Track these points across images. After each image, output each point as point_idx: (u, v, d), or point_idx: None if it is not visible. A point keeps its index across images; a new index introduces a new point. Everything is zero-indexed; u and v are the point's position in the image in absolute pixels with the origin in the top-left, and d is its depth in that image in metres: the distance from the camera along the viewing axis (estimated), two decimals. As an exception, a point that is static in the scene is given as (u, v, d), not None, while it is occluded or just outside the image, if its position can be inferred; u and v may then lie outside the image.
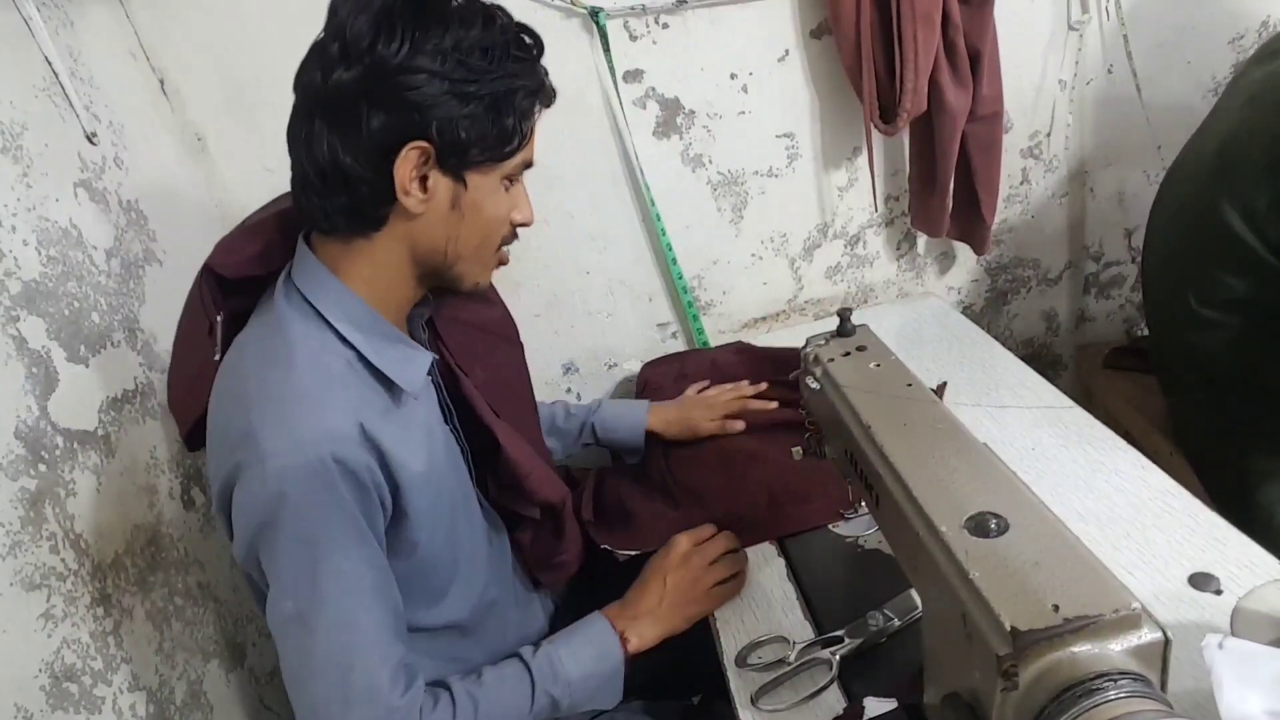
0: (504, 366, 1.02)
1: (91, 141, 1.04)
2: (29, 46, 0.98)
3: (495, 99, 0.76)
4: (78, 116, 1.03)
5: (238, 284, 0.84)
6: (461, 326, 0.97)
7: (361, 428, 0.76)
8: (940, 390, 1.20)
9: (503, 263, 0.88)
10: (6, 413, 0.80)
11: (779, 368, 1.35)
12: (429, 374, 0.88)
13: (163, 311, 1.11)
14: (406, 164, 0.75)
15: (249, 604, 1.18)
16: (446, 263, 0.83)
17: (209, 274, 0.84)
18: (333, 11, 0.74)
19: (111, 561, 0.91)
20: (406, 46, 0.72)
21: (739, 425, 1.21)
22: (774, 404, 1.25)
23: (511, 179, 0.83)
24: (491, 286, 1.04)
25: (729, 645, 0.92)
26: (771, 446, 1.18)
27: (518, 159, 0.81)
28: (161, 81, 1.24)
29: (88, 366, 0.94)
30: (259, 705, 1.15)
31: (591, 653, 0.89)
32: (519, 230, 0.87)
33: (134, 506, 0.97)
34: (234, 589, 1.15)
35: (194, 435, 0.86)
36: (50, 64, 1.00)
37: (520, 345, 1.08)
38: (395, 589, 0.80)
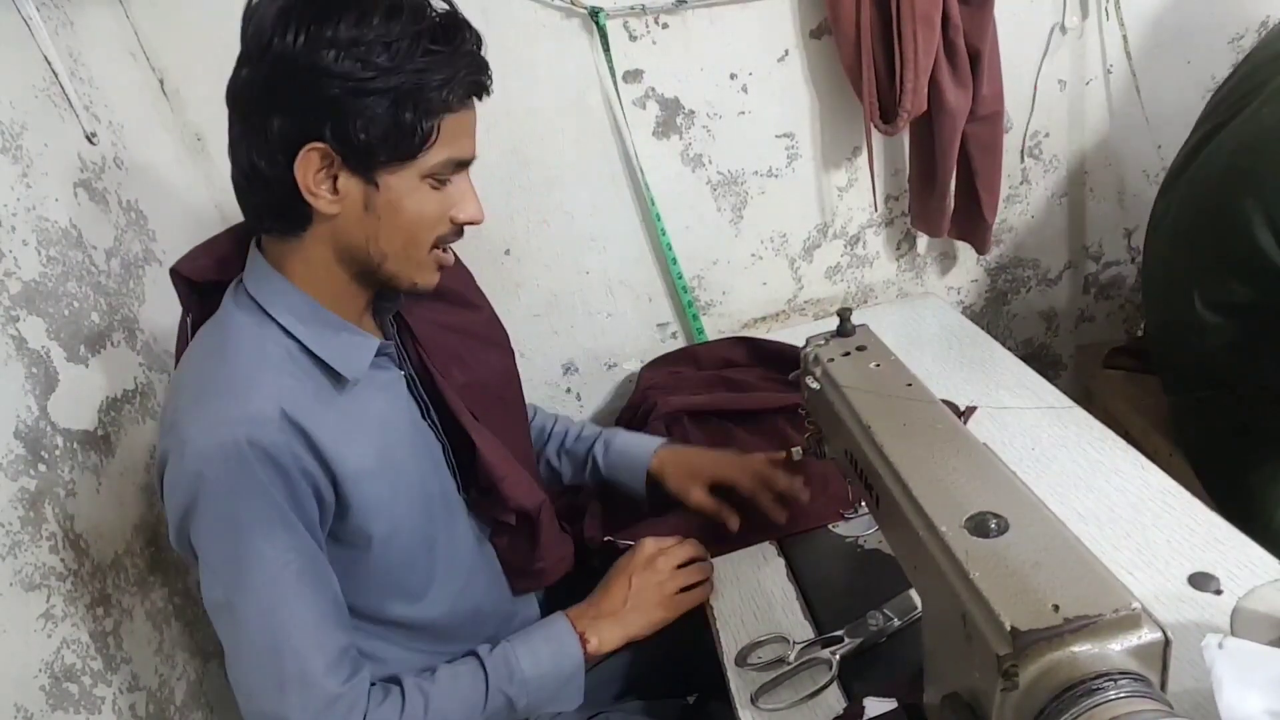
0: (486, 370, 1.00)
1: (91, 141, 1.04)
2: (29, 46, 0.98)
3: (396, 96, 0.72)
4: (78, 116, 1.03)
5: (207, 288, 0.85)
6: (439, 329, 0.96)
7: (284, 412, 0.75)
8: (967, 414, 1.20)
9: (443, 264, 0.85)
10: (6, 413, 0.80)
11: (780, 362, 1.34)
12: (400, 369, 0.89)
13: (163, 311, 1.11)
14: (307, 166, 0.74)
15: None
16: (373, 261, 0.80)
17: (176, 277, 0.86)
18: (247, 6, 0.74)
19: (111, 562, 0.91)
20: (302, 40, 0.70)
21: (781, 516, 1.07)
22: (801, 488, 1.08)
23: (437, 177, 0.78)
24: (476, 290, 1.05)
25: (729, 644, 0.92)
26: (771, 445, 1.18)
27: (436, 158, 0.77)
28: (161, 81, 1.24)
29: (88, 366, 0.94)
30: (259, 705, 1.14)
31: (549, 651, 0.89)
32: (467, 227, 0.84)
33: (134, 506, 0.97)
34: (234, 589, 1.15)
35: None
36: (50, 64, 1.00)
37: (508, 349, 1.06)
38: (330, 577, 0.79)
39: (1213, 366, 1.20)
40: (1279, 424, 1.17)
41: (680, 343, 1.62)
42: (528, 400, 1.11)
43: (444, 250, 0.84)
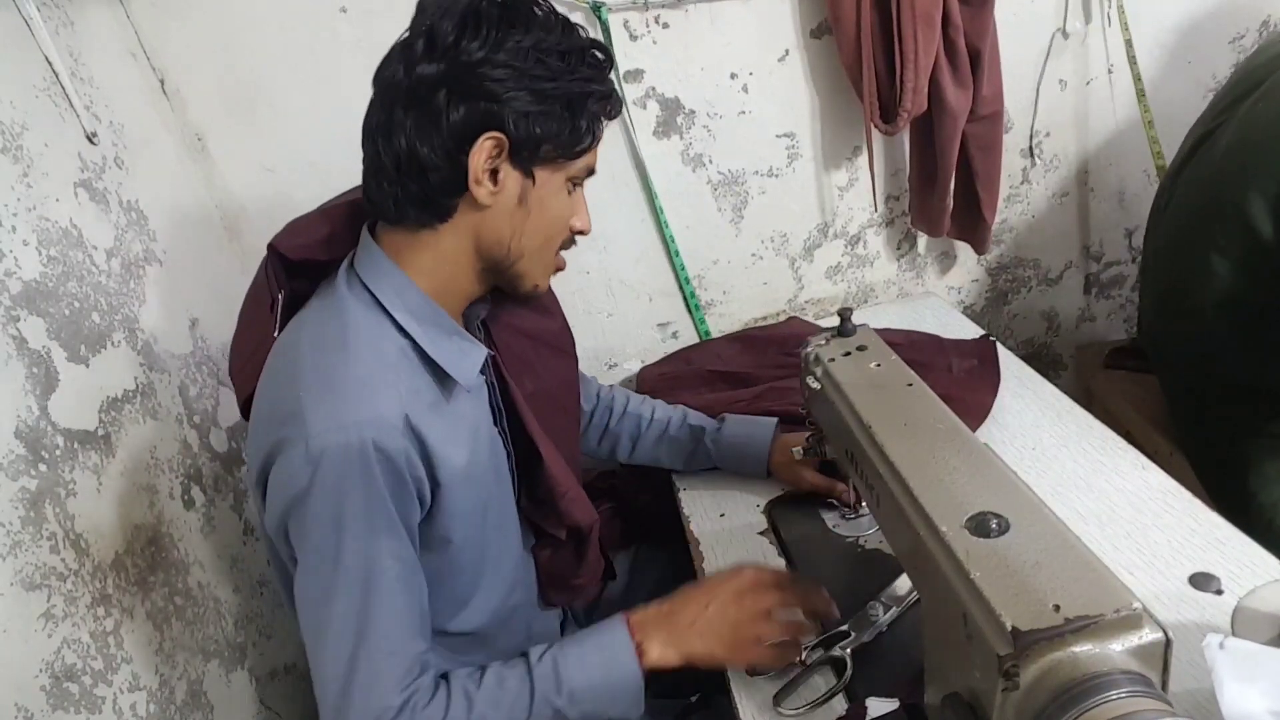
0: (553, 379, 1.02)
1: (91, 141, 1.04)
2: (29, 46, 0.98)
3: (570, 99, 0.78)
4: (78, 116, 1.03)
5: (300, 267, 0.86)
6: (516, 334, 0.98)
7: (407, 418, 0.77)
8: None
9: (559, 268, 0.90)
10: (6, 413, 0.80)
11: (780, 348, 1.34)
12: (482, 373, 0.88)
13: (163, 311, 1.11)
14: (481, 154, 0.77)
15: (249, 604, 1.18)
16: (509, 258, 0.84)
17: (273, 254, 0.86)
18: (420, 11, 0.78)
19: (112, 561, 0.91)
20: (493, 41, 0.75)
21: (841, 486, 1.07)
22: None
23: (575, 182, 0.85)
24: (553, 297, 1.06)
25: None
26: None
27: (583, 161, 0.83)
28: (161, 81, 1.24)
29: (88, 366, 0.94)
30: (259, 705, 1.14)
31: (600, 660, 0.82)
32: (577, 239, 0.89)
33: (134, 506, 0.97)
34: (234, 589, 1.15)
35: (248, 405, 0.86)
36: (50, 64, 1.00)
37: (574, 358, 1.09)
38: (423, 585, 0.81)
39: (1212, 364, 1.20)
40: (1278, 424, 1.17)
41: (681, 342, 1.62)
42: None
43: (561, 256, 0.89)
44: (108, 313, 1.00)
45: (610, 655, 0.82)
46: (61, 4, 1.07)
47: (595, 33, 1.33)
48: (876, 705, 0.78)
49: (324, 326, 0.81)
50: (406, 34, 0.78)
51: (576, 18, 1.31)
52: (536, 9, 0.78)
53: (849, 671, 0.83)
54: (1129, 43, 1.48)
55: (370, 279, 0.82)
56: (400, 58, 0.77)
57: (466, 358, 0.84)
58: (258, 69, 1.25)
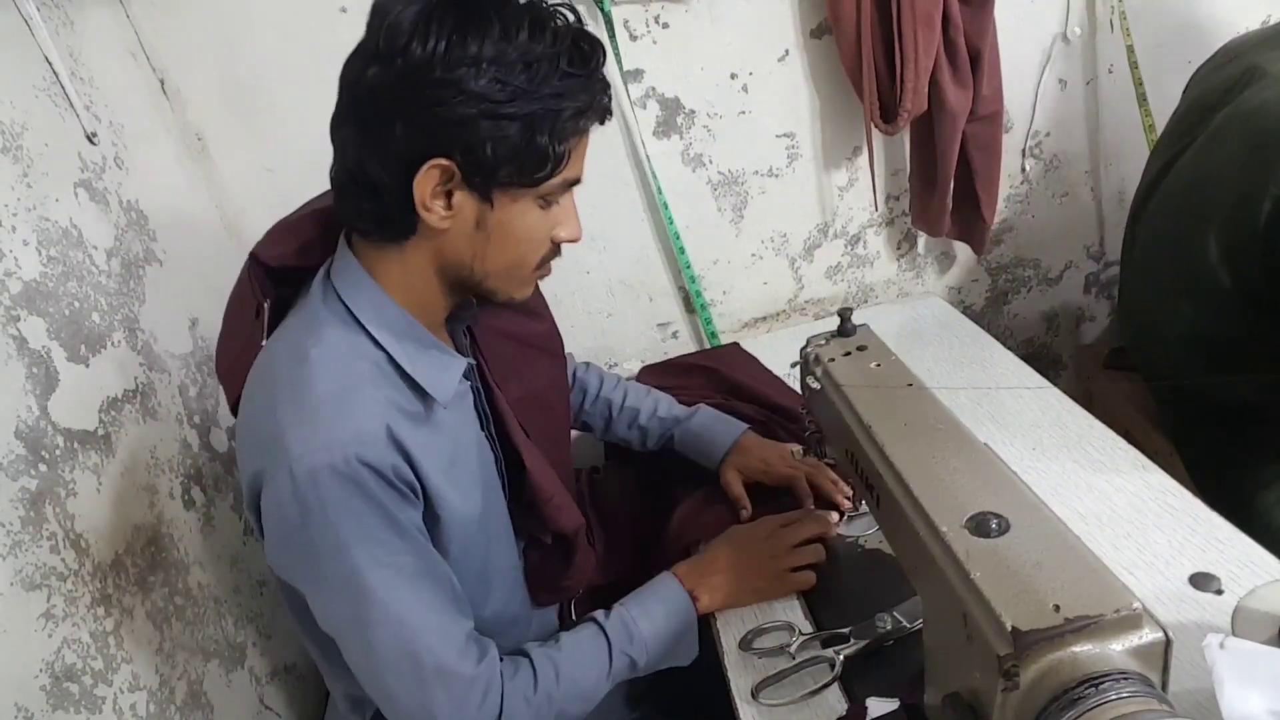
0: (541, 382, 1.01)
1: (91, 141, 1.04)
2: (29, 46, 0.98)
3: (531, 120, 0.70)
4: (78, 116, 1.03)
5: (282, 272, 0.85)
6: (502, 338, 0.96)
7: (389, 430, 0.75)
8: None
9: (542, 277, 0.86)
10: (7, 413, 0.80)
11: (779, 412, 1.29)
12: (467, 379, 0.87)
13: (163, 311, 1.11)
14: (427, 181, 0.72)
15: (249, 604, 1.18)
16: (475, 277, 0.80)
17: (254, 261, 0.84)
18: (374, 10, 0.71)
19: (112, 561, 0.91)
20: (442, 50, 0.67)
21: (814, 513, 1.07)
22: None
23: (549, 198, 0.77)
24: (541, 299, 1.04)
25: (729, 644, 0.92)
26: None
27: (555, 180, 0.75)
28: (161, 81, 1.24)
29: (88, 366, 0.94)
30: (259, 705, 1.14)
31: (664, 610, 0.90)
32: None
33: (134, 506, 0.97)
34: (234, 589, 1.15)
35: (237, 405, 0.86)
36: (50, 64, 1.00)
37: (562, 359, 1.07)
38: (443, 567, 0.81)
39: (1193, 388, 1.20)
40: (1271, 429, 1.17)
41: (681, 342, 1.63)
42: None
43: (544, 268, 0.84)
44: (108, 313, 1.00)
45: (671, 606, 0.91)
46: (61, 4, 1.07)
47: (597, 26, 1.33)
48: (876, 705, 0.78)
49: (298, 344, 0.78)
50: (366, 31, 0.72)
51: (579, 10, 1.32)
52: (501, 11, 0.69)
53: (836, 672, 0.83)
54: (1130, 48, 1.48)
55: (345, 293, 0.79)
56: (358, 57, 0.72)
57: (445, 371, 0.82)
58: (258, 69, 1.25)
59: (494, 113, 0.69)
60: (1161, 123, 1.53)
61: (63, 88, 1.01)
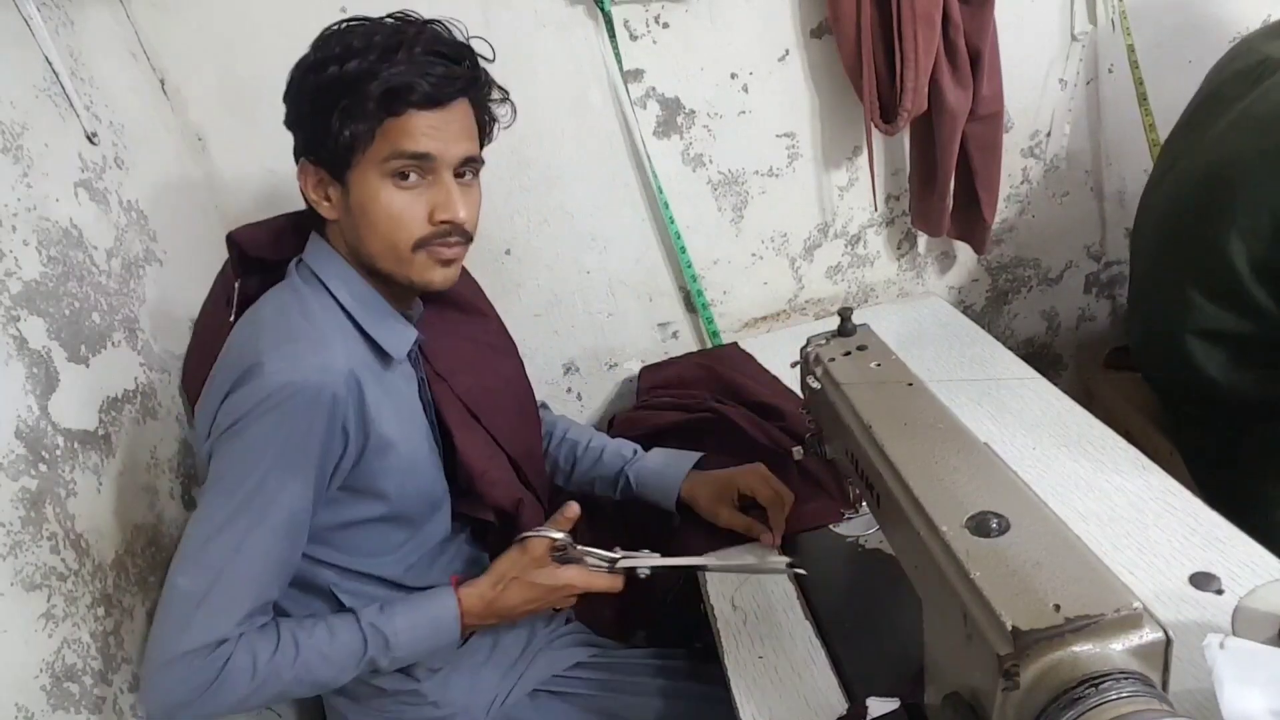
0: (496, 377, 1.06)
1: (92, 141, 1.04)
2: (29, 46, 0.98)
3: (341, 105, 0.82)
4: (78, 116, 1.03)
5: (254, 264, 0.95)
6: (455, 339, 1.04)
7: (352, 372, 0.84)
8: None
9: (444, 260, 0.89)
10: (6, 413, 0.80)
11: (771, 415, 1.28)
12: (411, 358, 0.96)
13: (163, 311, 1.11)
14: (305, 180, 0.88)
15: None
16: (371, 261, 0.89)
17: (231, 242, 0.95)
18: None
19: (112, 561, 0.91)
20: (301, 65, 0.85)
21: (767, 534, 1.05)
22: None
23: (399, 171, 0.84)
24: (484, 300, 1.11)
25: (729, 644, 0.92)
26: (770, 446, 1.18)
27: (382, 149, 0.83)
28: (161, 81, 1.24)
29: (88, 366, 0.94)
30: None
31: (428, 634, 0.90)
32: (449, 223, 0.88)
33: (134, 506, 0.97)
34: (234, 589, 1.15)
35: None
36: (50, 64, 1.00)
37: (517, 357, 1.13)
38: (303, 540, 0.85)
39: (1201, 385, 1.20)
40: (1272, 430, 1.16)
41: (681, 342, 1.63)
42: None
43: (436, 249, 0.88)
44: (108, 313, 1.00)
45: (438, 629, 0.91)
46: (61, 4, 1.07)
47: (598, 25, 1.33)
48: (876, 705, 0.78)
49: (281, 302, 0.89)
50: None
51: (577, 12, 1.32)
52: (354, 24, 0.84)
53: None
54: (1130, 48, 1.48)
55: (316, 265, 0.91)
56: None
57: (400, 336, 0.93)
58: (258, 69, 1.25)
59: (316, 105, 0.83)
60: (1162, 122, 1.53)
61: (63, 88, 1.01)
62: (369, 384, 0.87)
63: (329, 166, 0.86)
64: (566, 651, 1.07)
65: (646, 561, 0.94)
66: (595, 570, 0.94)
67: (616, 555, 0.95)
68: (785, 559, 1.01)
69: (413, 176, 0.85)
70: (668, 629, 1.15)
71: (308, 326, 0.85)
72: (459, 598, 0.91)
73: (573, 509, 0.95)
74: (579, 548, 0.94)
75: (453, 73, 0.85)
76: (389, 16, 0.86)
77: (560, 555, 0.94)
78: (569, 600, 0.96)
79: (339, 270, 0.90)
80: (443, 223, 0.86)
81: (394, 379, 0.93)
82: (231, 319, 0.92)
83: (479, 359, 1.05)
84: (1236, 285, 1.10)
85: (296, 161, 0.89)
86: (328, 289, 0.89)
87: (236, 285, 0.94)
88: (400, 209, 0.85)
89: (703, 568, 1.01)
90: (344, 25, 0.85)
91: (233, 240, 0.94)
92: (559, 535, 0.93)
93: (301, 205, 0.94)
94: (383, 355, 0.91)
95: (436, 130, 0.84)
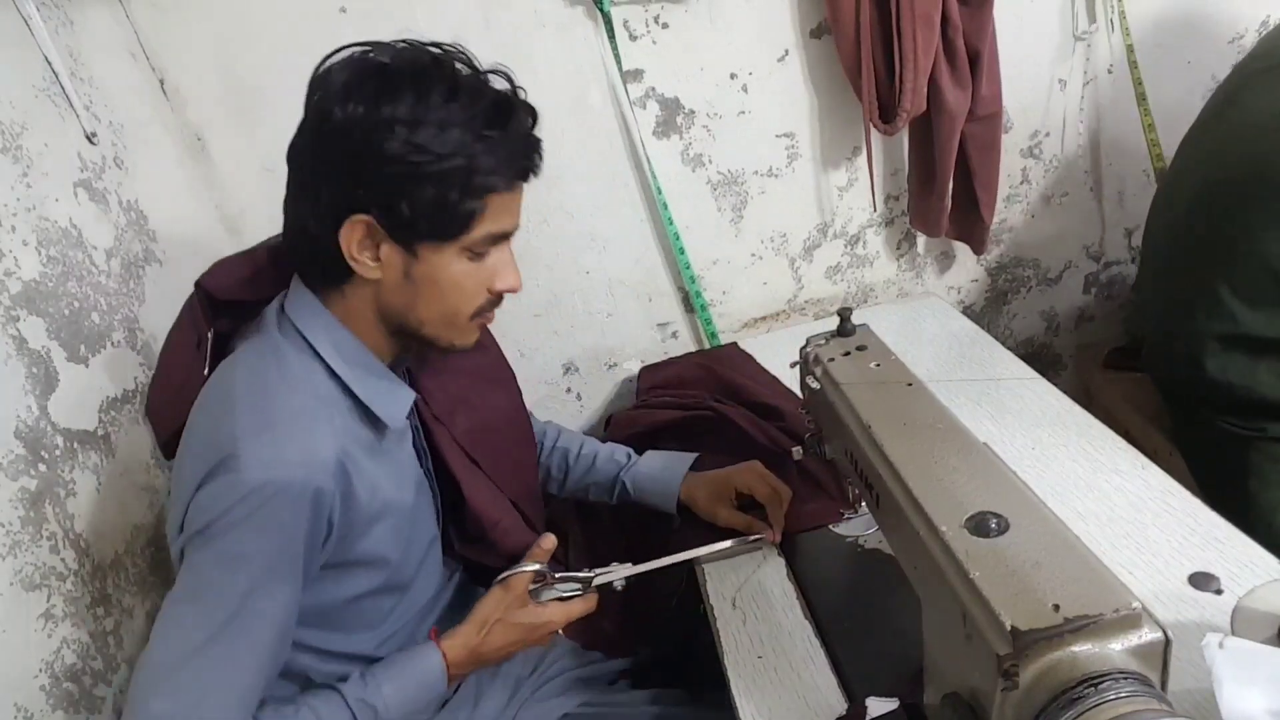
0: (493, 413, 1.01)
1: (91, 141, 1.04)
2: (29, 46, 0.98)
3: (445, 178, 0.74)
4: (78, 116, 1.03)
5: (226, 305, 0.87)
6: (450, 374, 0.97)
7: (339, 460, 0.77)
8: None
9: (484, 324, 0.86)
10: (6, 413, 0.80)
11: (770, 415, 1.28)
12: (408, 416, 0.89)
13: (163, 311, 1.11)
14: (351, 235, 0.76)
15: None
16: (411, 326, 0.82)
17: (200, 290, 0.86)
18: (316, 71, 0.76)
19: (111, 561, 0.91)
20: (360, 114, 0.72)
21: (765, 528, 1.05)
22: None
23: (477, 250, 0.79)
24: (486, 331, 1.02)
25: (729, 644, 0.92)
26: (770, 446, 1.18)
27: (477, 233, 0.78)
28: (161, 81, 1.24)
29: (88, 366, 0.94)
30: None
31: (416, 695, 0.85)
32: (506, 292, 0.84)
33: (134, 506, 0.97)
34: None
35: (171, 444, 0.84)
36: (50, 64, 1.00)
37: (515, 388, 1.08)
38: (290, 638, 0.78)
39: (1212, 385, 1.19)
40: (1276, 431, 1.16)
41: (681, 342, 1.62)
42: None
43: (487, 315, 0.85)
44: (107, 313, 1.00)
45: (425, 685, 0.85)
46: (61, 4, 1.07)
47: (597, 25, 1.33)
48: (876, 705, 0.78)
49: (259, 363, 0.80)
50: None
51: (577, 12, 1.32)
52: (418, 79, 0.73)
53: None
54: (1130, 48, 1.48)
55: (300, 321, 0.81)
56: (297, 132, 0.78)
57: (395, 400, 0.85)
58: (258, 69, 1.25)
59: (408, 173, 0.73)
60: (1161, 123, 1.53)
61: (62, 88, 1.01)
62: (359, 461, 0.80)
63: (402, 232, 0.76)
64: (554, 702, 0.99)
65: (621, 572, 0.93)
66: (571, 596, 0.92)
67: (590, 574, 0.93)
68: (759, 535, 1.02)
69: (490, 250, 0.81)
70: (672, 632, 1.11)
71: (288, 400, 0.77)
72: (443, 651, 0.87)
73: (549, 540, 0.93)
74: (555, 575, 0.92)
75: (537, 143, 0.81)
76: (439, 50, 0.77)
77: (537, 587, 0.91)
78: (549, 638, 0.93)
79: (327, 328, 0.81)
80: (501, 293, 0.83)
81: (391, 441, 0.87)
82: (205, 371, 0.83)
83: (476, 394, 1.00)
84: (1272, 286, 1.08)
85: (335, 214, 0.76)
86: (312, 347, 0.81)
87: (210, 336, 0.85)
88: (473, 282, 0.81)
89: (678, 563, 0.99)
90: (416, 72, 0.74)
91: (201, 288, 0.86)
92: (537, 567, 0.91)
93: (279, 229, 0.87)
94: (375, 422, 0.84)
95: (518, 205, 0.81)
